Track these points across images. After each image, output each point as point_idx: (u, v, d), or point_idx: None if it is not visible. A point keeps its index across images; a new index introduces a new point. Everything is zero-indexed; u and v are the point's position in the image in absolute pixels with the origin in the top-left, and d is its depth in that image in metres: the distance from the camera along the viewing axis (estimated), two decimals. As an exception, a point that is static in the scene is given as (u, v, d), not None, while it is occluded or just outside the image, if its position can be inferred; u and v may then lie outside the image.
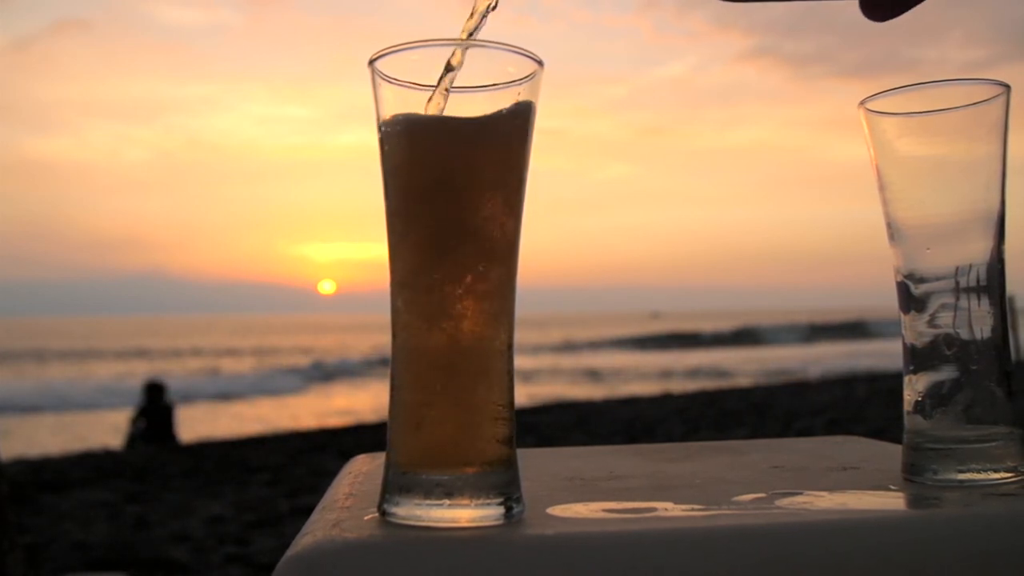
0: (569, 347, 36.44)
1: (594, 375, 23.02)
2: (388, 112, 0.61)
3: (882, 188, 0.72)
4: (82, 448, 9.02)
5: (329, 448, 7.75)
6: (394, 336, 0.62)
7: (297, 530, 0.62)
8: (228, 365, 28.62)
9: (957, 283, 0.70)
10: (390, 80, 0.60)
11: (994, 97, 0.68)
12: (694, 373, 22.38)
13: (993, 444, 0.69)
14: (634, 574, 0.55)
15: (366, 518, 0.61)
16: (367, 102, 0.62)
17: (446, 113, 0.60)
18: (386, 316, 0.62)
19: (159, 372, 18.56)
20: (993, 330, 0.70)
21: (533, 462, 0.78)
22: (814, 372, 20.04)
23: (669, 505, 0.64)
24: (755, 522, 0.60)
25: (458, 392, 0.60)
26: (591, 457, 0.90)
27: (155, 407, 9.50)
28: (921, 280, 0.71)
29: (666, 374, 22.48)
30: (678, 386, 16.78)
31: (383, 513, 0.61)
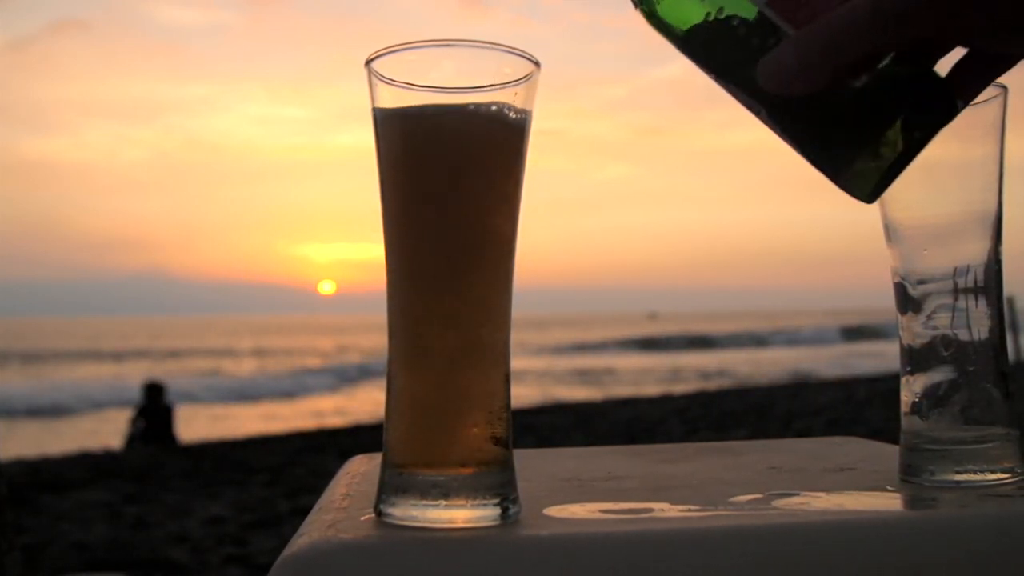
0: (568, 347, 36.44)
1: (593, 376, 23.02)
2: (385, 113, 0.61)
3: (879, 189, 0.72)
4: (81, 448, 9.02)
5: (329, 448, 7.75)
6: (391, 336, 0.62)
7: (296, 531, 0.62)
8: (228, 366, 28.62)
9: (955, 284, 0.69)
10: (387, 81, 0.60)
11: (991, 98, 0.68)
12: (693, 374, 22.38)
13: (990, 445, 0.69)
14: (630, 574, 0.55)
15: (362, 519, 0.61)
16: (365, 102, 0.62)
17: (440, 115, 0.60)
18: (385, 317, 0.62)
19: (158, 372, 18.55)
20: (991, 331, 0.69)
21: (530, 463, 0.78)
22: (814, 372, 20.04)
23: (666, 506, 0.64)
24: (751, 523, 0.60)
25: (455, 392, 0.60)
26: (588, 458, 0.90)
27: (155, 407, 9.50)
28: (918, 281, 0.71)
29: (665, 375, 22.47)
30: (677, 387, 16.78)
31: (379, 513, 0.61)
